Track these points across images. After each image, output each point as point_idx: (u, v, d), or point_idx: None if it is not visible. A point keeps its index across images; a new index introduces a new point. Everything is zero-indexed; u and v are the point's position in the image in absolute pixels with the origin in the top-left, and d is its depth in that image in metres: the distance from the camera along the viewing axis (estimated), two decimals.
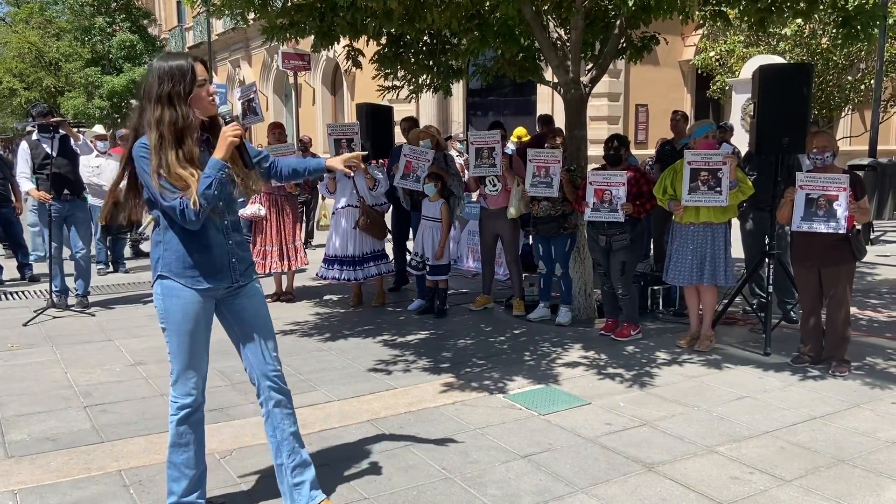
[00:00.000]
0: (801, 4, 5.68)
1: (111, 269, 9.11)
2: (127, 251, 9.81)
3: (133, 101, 22.92)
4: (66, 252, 7.06)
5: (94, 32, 22.56)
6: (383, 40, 6.71)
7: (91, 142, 7.12)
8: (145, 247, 10.61)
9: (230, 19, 6.71)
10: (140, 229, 10.59)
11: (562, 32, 6.62)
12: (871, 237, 10.71)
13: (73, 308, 6.90)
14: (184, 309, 2.82)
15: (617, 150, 5.83)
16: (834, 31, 8.68)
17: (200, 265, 2.82)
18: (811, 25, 12.49)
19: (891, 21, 12.31)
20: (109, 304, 7.30)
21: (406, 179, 6.74)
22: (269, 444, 3.04)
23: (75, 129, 7.03)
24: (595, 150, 7.08)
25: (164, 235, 2.81)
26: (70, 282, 7.07)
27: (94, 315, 6.80)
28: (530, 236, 7.18)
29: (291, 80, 17.80)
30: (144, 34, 23.58)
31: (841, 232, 4.79)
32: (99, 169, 8.63)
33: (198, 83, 2.72)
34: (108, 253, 9.12)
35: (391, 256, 7.45)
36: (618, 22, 6.30)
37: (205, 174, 2.68)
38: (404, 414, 4.26)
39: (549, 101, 15.29)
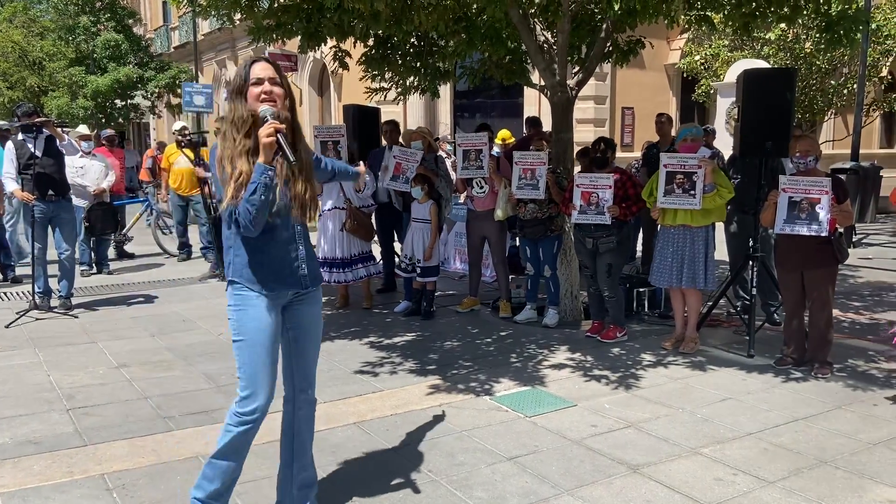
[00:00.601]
0: (785, 9, 5.73)
1: (95, 270, 9.03)
2: (111, 252, 9.73)
3: (118, 101, 22.75)
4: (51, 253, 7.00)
5: (78, 32, 22.36)
6: (370, 42, 6.71)
7: (75, 142, 7.06)
8: (129, 248, 10.54)
9: (216, 20, 6.66)
10: (124, 230, 10.52)
11: (549, 35, 6.65)
12: (854, 240, 10.82)
13: (56, 310, 6.84)
14: (255, 318, 2.73)
15: (604, 152, 5.86)
16: (817, 35, 8.78)
17: (268, 270, 2.73)
18: (795, 30, 12.59)
19: (873, 26, 12.46)
20: (93, 305, 7.24)
21: (395, 181, 6.74)
22: (281, 445, 3.02)
23: (59, 129, 6.97)
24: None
25: (234, 240, 2.74)
26: (53, 283, 7.00)
27: (77, 317, 6.75)
28: (517, 238, 7.19)
29: None
30: (129, 34, 23.37)
31: (823, 235, 4.84)
32: (83, 169, 8.56)
33: (251, 81, 2.65)
34: (92, 254, 9.05)
35: (378, 258, 7.44)
36: (604, 25, 6.33)
37: (251, 180, 2.59)
38: (390, 416, 4.26)
39: (535, 104, 15.33)
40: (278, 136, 2.55)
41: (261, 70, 2.67)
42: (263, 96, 2.63)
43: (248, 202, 2.56)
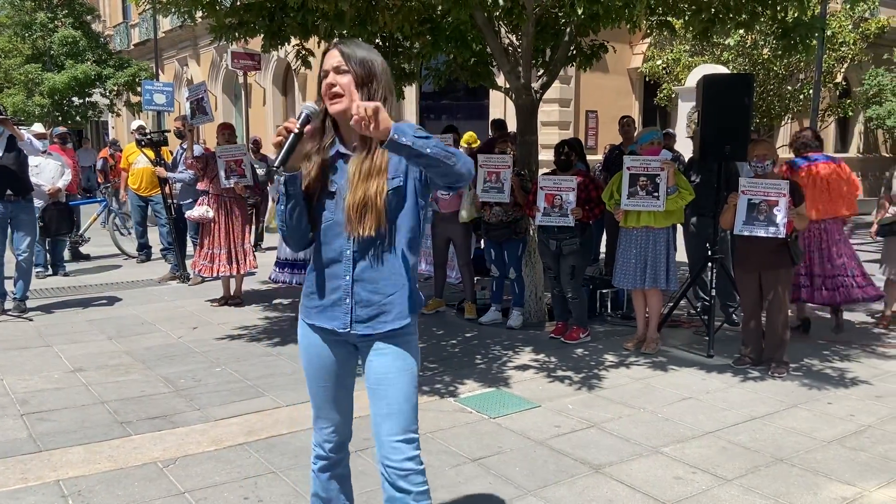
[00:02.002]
0: (743, 16, 5.85)
1: (50, 272, 8.82)
2: (66, 254, 9.50)
3: (75, 99, 22.23)
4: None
5: (34, 28, 21.81)
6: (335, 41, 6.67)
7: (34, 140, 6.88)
8: (86, 249, 10.31)
9: (177, 17, 6.56)
10: (81, 231, 10.29)
11: (513, 38, 6.68)
12: None
13: (9, 312, 6.65)
14: (304, 347, 2.44)
15: (567, 155, 5.91)
16: (774, 42, 8.97)
17: (316, 297, 2.35)
18: (753, 36, 12.86)
19: (828, 33, 12.78)
20: (48, 308, 7.06)
21: None
22: None
23: (17, 128, 6.79)
24: (546, 155, 7.15)
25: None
26: (8, 285, 6.81)
27: (31, 320, 6.57)
28: (482, 240, 7.21)
29: (241, 79, 17.53)
30: (88, 30, 22.86)
31: (780, 237, 4.95)
32: (38, 168, 8.32)
33: (322, 75, 2.29)
34: (48, 255, 8.83)
35: None
36: (568, 29, 6.39)
37: None
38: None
39: (501, 106, 15.40)
40: (290, 136, 2.17)
41: (327, 60, 2.27)
42: (325, 90, 2.26)
43: (278, 217, 2.33)
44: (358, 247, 2.25)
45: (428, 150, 2.03)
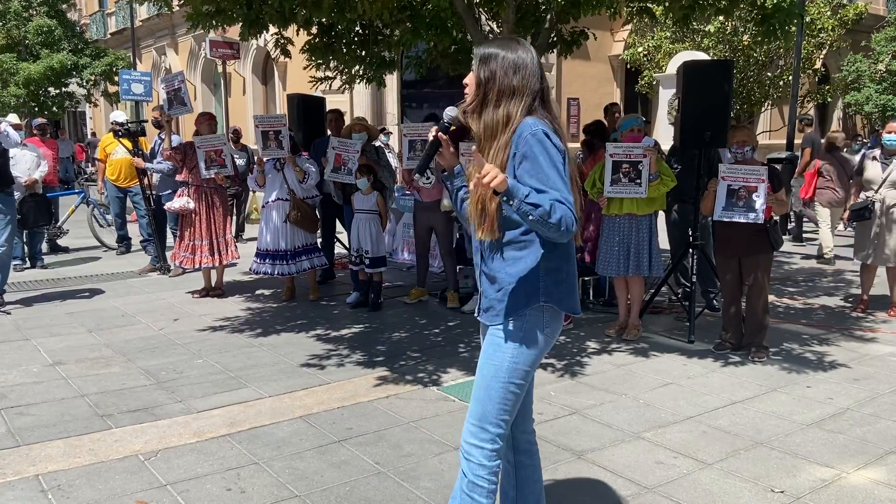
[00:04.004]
0: (723, 2, 5.87)
1: (28, 264, 8.70)
2: (44, 246, 9.38)
3: (51, 90, 21.88)
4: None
5: (8, 17, 21.43)
6: (314, 30, 6.61)
7: (11, 131, 6.75)
8: (65, 241, 10.19)
9: (154, 5, 6.47)
10: (59, 223, 10.16)
11: (494, 26, 6.66)
12: (788, 228, 11.19)
13: None
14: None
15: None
16: (754, 28, 9.00)
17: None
18: (733, 23, 12.91)
19: (807, 19, 12.86)
20: (26, 301, 6.97)
21: (337, 173, 6.66)
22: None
23: None
24: None
25: None
26: None
27: (9, 313, 6.49)
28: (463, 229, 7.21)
29: (220, 68, 17.34)
30: (63, 19, 22.48)
31: (759, 222, 4.99)
32: (14, 160, 8.19)
33: None
34: (25, 248, 8.71)
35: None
36: (548, 16, 6.37)
37: None
38: (337, 409, 4.23)
39: None
40: (428, 144, 2.37)
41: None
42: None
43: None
44: (487, 242, 2.39)
45: (530, 218, 2.16)
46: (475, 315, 2.52)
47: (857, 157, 6.99)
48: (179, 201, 6.96)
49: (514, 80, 2.30)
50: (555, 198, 2.17)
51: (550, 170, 2.22)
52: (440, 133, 2.39)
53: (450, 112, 2.35)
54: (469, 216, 2.35)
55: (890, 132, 6.29)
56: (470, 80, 2.36)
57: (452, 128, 2.41)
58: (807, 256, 9.56)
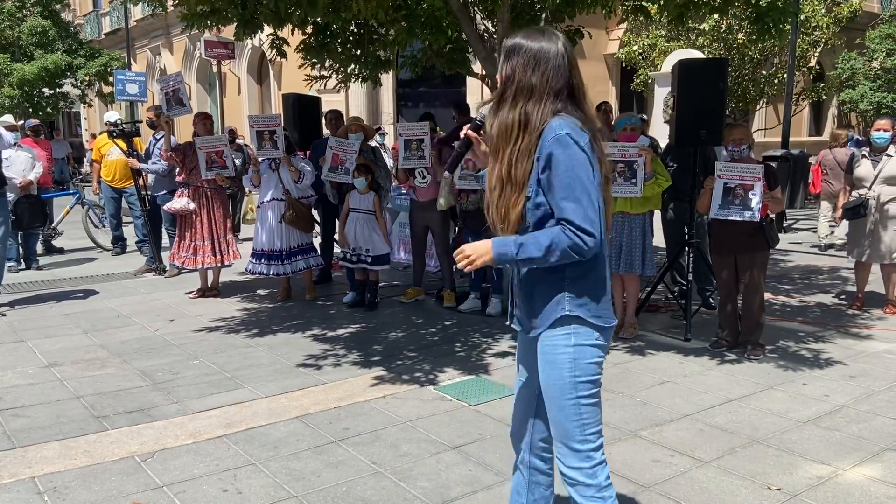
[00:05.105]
0: (717, 1, 5.87)
1: (23, 266, 8.68)
2: (39, 247, 9.35)
3: (46, 90, 21.82)
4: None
5: (2, 17, 21.39)
6: (309, 29, 6.59)
7: (5, 133, 6.72)
8: (60, 242, 10.16)
9: (148, 5, 6.44)
10: (54, 224, 10.13)
11: (489, 25, 6.65)
12: (784, 225, 11.22)
13: None
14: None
15: None
16: (748, 26, 9.02)
17: None
18: (728, 21, 12.93)
19: (802, 17, 12.88)
20: (21, 302, 6.95)
21: (335, 172, 6.65)
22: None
23: None
24: None
25: None
26: None
27: (4, 315, 6.46)
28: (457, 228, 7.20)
29: (215, 68, 17.32)
30: (57, 19, 22.44)
31: (756, 220, 4.99)
32: (8, 161, 8.17)
33: None
34: (20, 249, 8.68)
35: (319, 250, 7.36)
36: (543, 15, 6.37)
37: None
38: (334, 409, 4.22)
39: (478, 93, 15.36)
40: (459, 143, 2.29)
41: None
42: None
43: None
44: None
45: (535, 266, 2.14)
46: (508, 323, 2.44)
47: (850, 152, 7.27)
48: (180, 202, 6.94)
49: (533, 76, 2.13)
50: (552, 235, 2.07)
51: (568, 179, 2.04)
52: (471, 131, 2.28)
53: (483, 110, 2.25)
54: (492, 223, 2.24)
55: (878, 129, 6.31)
56: (501, 78, 2.21)
57: (485, 125, 2.28)
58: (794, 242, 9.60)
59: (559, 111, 2.12)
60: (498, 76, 2.22)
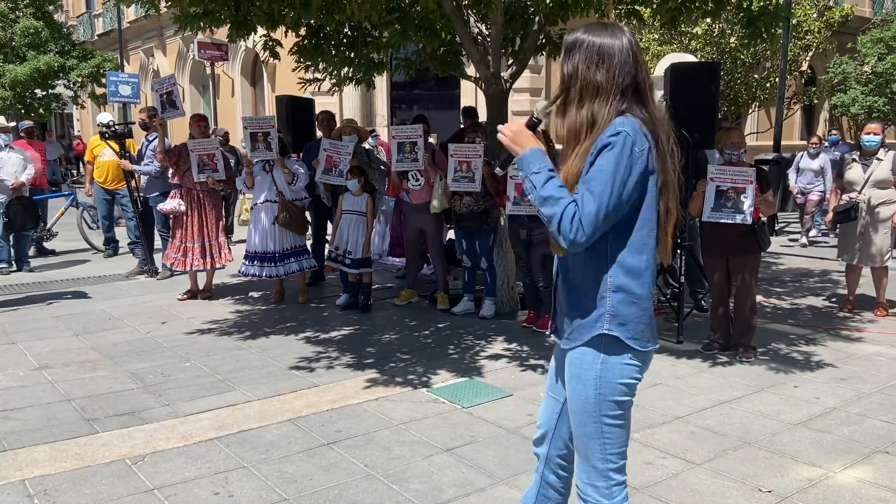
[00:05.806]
0: (710, 5, 5.89)
1: (14, 267, 8.63)
2: (31, 249, 9.30)
3: (38, 91, 21.71)
4: None
5: None
6: (302, 31, 6.59)
7: None
8: (52, 244, 10.12)
9: (141, 7, 6.42)
10: (48, 225, 10.08)
11: (482, 27, 6.67)
12: (776, 228, 11.26)
13: None
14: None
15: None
16: (741, 30, 9.06)
17: None
18: (720, 25, 12.97)
19: (793, 22, 12.94)
20: (12, 304, 6.91)
21: (328, 174, 6.65)
22: None
23: None
24: None
25: None
26: None
27: None
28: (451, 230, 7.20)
29: (209, 70, 17.29)
30: (50, 20, 22.34)
31: (747, 223, 5.01)
32: (0, 163, 8.16)
33: None
34: (11, 251, 8.64)
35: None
36: (536, 18, 6.39)
37: None
38: (326, 412, 4.21)
39: (472, 96, 15.37)
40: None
41: None
42: None
43: None
44: (561, 258, 2.16)
45: (529, 196, 2.04)
46: (547, 334, 2.39)
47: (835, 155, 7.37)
48: (171, 203, 6.93)
49: (597, 74, 2.00)
50: (564, 197, 1.94)
51: (605, 175, 1.93)
52: (528, 129, 2.13)
53: (538, 106, 2.14)
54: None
55: (868, 133, 6.35)
56: (558, 75, 2.10)
57: (541, 124, 2.16)
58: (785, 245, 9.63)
59: (623, 111, 2.01)
60: (559, 73, 2.12)
